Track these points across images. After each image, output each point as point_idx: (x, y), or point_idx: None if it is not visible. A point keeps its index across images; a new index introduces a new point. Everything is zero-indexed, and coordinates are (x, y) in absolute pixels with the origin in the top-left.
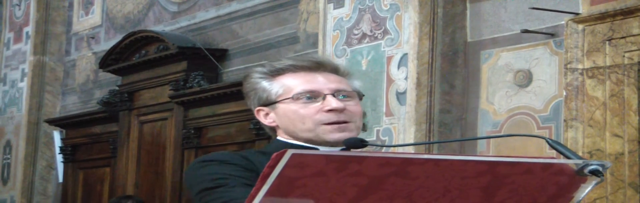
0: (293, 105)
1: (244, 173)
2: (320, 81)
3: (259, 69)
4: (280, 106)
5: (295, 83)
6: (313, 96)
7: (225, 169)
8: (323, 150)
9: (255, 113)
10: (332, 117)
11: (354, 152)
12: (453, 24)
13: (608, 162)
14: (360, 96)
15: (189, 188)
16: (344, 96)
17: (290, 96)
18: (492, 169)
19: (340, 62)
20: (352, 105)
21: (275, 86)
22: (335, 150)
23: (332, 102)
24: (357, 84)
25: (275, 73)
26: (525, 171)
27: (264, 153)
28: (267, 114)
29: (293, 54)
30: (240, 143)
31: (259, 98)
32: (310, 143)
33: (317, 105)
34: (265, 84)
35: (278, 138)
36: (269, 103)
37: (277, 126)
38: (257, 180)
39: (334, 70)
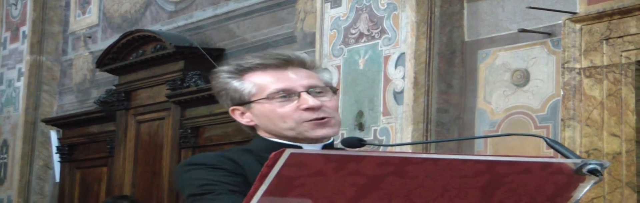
0: (269, 105)
1: (230, 179)
2: (292, 78)
3: (226, 68)
4: (256, 106)
5: (266, 81)
6: (287, 94)
7: (211, 174)
8: (306, 148)
9: (230, 112)
10: (311, 115)
11: (353, 151)
12: (450, 24)
13: (606, 162)
14: (334, 90)
15: (179, 190)
16: (318, 92)
17: (264, 96)
18: (491, 168)
19: (338, 61)
20: (327, 101)
21: (247, 86)
22: (318, 147)
23: (309, 100)
24: (327, 77)
25: (243, 72)
26: (523, 171)
27: (249, 151)
28: (242, 113)
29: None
30: (237, 143)
31: (232, 98)
32: (294, 141)
33: (293, 104)
34: (235, 83)
35: (260, 133)
36: (243, 102)
37: (256, 125)
38: (247, 182)
39: (302, 64)
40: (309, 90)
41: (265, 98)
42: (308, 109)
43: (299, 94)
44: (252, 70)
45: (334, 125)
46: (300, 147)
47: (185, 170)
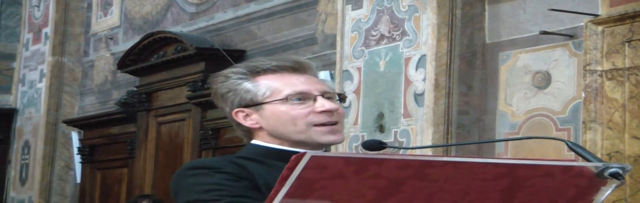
0: (283, 106)
1: (236, 183)
2: (308, 83)
3: (237, 69)
4: (268, 108)
5: (282, 84)
6: (303, 97)
7: (217, 179)
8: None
9: (231, 114)
10: (325, 118)
11: (373, 154)
12: (471, 26)
13: (628, 165)
14: (341, 97)
15: (173, 196)
16: (329, 97)
17: (280, 97)
18: (512, 172)
19: (359, 63)
20: (339, 107)
21: (261, 87)
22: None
23: (325, 103)
24: (331, 85)
25: (256, 74)
26: (544, 174)
27: (247, 158)
28: (247, 115)
29: (311, 56)
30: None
31: (241, 99)
32: (299, 145)
33: (307, 107)
34: (248, 85)
35: (253, 141)
36: (254, 104)
37: (260, 128)
38: (253, 186)
39: (312, 71)
40: (324, 95)
41: (281, 99)
42: (323, 112)
43: (314, 98)
44: (265, 72)
45: (341, 132)
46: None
47: (188, 174)
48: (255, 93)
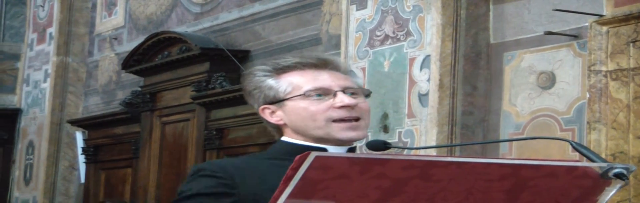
0: (303, 102)
1: (215, 191)
2: (329, 79)
3: (263, 67)
4: (289, 104)
5: (303, 80)
6: (323, 93)
7: (200, 184)
8: (331, 150)
9: (259, 111)
10: (344, 113)
11: (377, 154)
12: (476, 26)
13: (633, 165)
14: (366, 93)
15: None
16: (352, 93)
17: (300, 93)
18: (516, 172)
19: (363, 63)
20: (361, 102)
21: (282, 84)
22: (343, 150)
23: (344, 98)
24: (359, 81)
25: (280, 71)
26: (549, 175)
27: (267, 158)
28: (273, 112)
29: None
30: (261, 144)
31: (265, 96)
32: (321, 141)
33: (328, 102)
34: (271, 82)
35: (283, 138)
36: (276, 100)
37: (285, 124)
38: (231, 194)
39: (337, 67)
40: (345, 90)
41: (301, 95)
42: (342, 107)
43: (334, 94)
44: (289, 69)
45: (363, 129)
46: (325, 149)
47: (190, 174)
48: (277, 90)
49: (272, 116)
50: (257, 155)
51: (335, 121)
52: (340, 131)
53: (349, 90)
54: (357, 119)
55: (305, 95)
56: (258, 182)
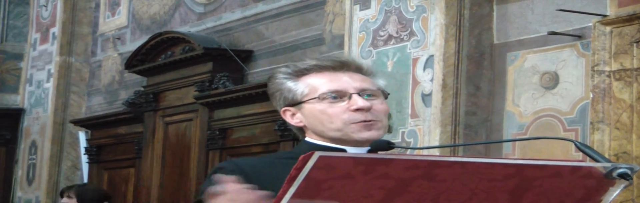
0: (319, 105)
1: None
2: (345, 81)
3: (283, 69)
4: (307, 106)
5: (320, 82)
6: (339, 95)
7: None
8: (350, 151)
9: (281, 113)
10: (359, 116)
11: (381, 154)
12: (479, 26)
13: (637, 165)
14: (386, 94)
15: None
16: (368, 95)
17: (316, 96)
18: (520, 172)
19: (366, 63)
20: (378, 104)
21: (300, 86)
22: (363, 151)
23: (358, 101)
24: (381, 82)
25: (299, 73)
26: (553, 175)
27: (292, 158)
28: (293, 114)
29: (319, 56)
30: (264, 144)
31: (285, 99)
32: (340, 143)
33: (343, 104)
34: (290, 84)
35: (306, 139)
36: (295, 103)
37: (305, 126)
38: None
39: (358, 69)
40: (360, 92)
41: (316, 98)
42: (357, 110)
43: (350, 96)
44: (308, 71)
45: (380, 128)
46: (344, 150)
47: (210, 172)
48: (296, 92)
49: (293, 118)
50: (278, 154)
51: (352, 123)
52: (357, 132)
53: (365, 92)
54: (372, 120)
55: (320, 98)
56: (273, 182)
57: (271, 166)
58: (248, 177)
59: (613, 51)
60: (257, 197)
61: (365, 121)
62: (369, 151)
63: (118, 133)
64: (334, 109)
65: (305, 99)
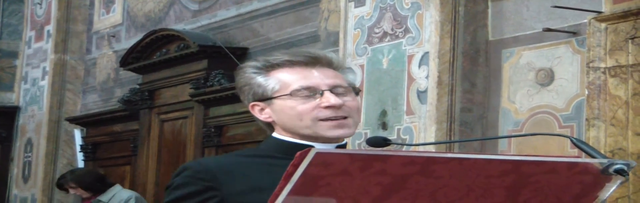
0: (290, 101)
1: (193, 194)
2: (317, 77)
3: (253, 63)
4: (277, 102)
5: (291, 78)
6: (311, 92)
7: (179, 191)
8: (318, 147)
9: (249, 108)
10: (330, 113)
11: (378, 151)
12: (474, 23)
13: (633, 161)
14: (357, 91)
15: None
16: (341, 91)
17: (287, 92)
18: (517, 168)
19: (362, 61)
20: (350, 100)
21: (271, 82)
22: (331, 146)
23: (330, 98)
24: (351, 77)
25: (270, 68)
26: (549, 171)
27: (259, 156)
28: (262, 109)
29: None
30: (260, 142)
31: (254, 93)
32: (309, 139)
33: (314, 101)
34: (260, 79)
35: (273, 135)
36: (265, 98)
37: (274, 121)
38: (210, 194)
39: (329, 64)
40: (332, 89)
41: (287, 95)
42: (329, 107)
43: (322, 93)
44: (279, 66)
45: (351, 126)
46: (312, 146)
47: (174, 174)
48: (266, 88)
49: (261, 113)
50: (245, 152)
51: (322, 120)
52: (328, 130)
53: (337, 89)
54: (344, 117)
55: (292, 94)
56: (242, 181)
57: (239, 164)
58: (215, 176)
59: (608, 48)
60: None
61: (336, 119)
62: (338, 147)
63: (113, 130)
64: (304, 106)
65: (276, 95)
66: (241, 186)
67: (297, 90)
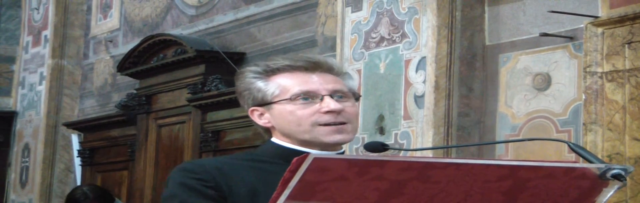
0: (289, 106)
1: (192, 193)
2: (317, 82)
3: (253, 68)
4: (276, 107)
5: (291, 83)
6: (310, 97)
7: (181, 187)
8: (316, 153)
9: (249, 112)
10: (330, 118)
11: (376, 156)
12: (471, 28)
13: (631, 166)
14: (356, 96)
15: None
16: (340, 97)
17: (287, 97)
18: (514, 173)
19: (359, 65)
20: (349, 106)
21: (271, 87)
22: (332, 153)
23: (330, 103)
24: (351, 83)
25: (270, 73)
26: (547, 176)
27: (256, 161)
28: (261, 114)
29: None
30: (257, 147)
31: (254, 98)
32: (307, 145)
33: (314, 106)
34: (260, 84)
35: (272, 140)
36: (265, 103)
37: (273, 126)
38: (214, 198)
39: (329, 70)
40: (332, 94)
41: (287, 99)
42: (328, 112)
43: (322, 98)
44: (279, 71)
45: (350, 132)
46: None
47: (173, 173)
48: (266, 93)
49: (261, 118)
50: (240, 156)
51: (321, 125)
52: (326, 135)
53: (337, 94)
54: (343, 123)
55: (291, 99)
56: (239, 184)
57: (235, 168)
58: (213, 177)
59: (605, 52)
60: None
61: (335, 124)
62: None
63: (111, 135)
64: (303, 111)
65: (276, 100)
66: (237, 188)
67: (297, 95)
